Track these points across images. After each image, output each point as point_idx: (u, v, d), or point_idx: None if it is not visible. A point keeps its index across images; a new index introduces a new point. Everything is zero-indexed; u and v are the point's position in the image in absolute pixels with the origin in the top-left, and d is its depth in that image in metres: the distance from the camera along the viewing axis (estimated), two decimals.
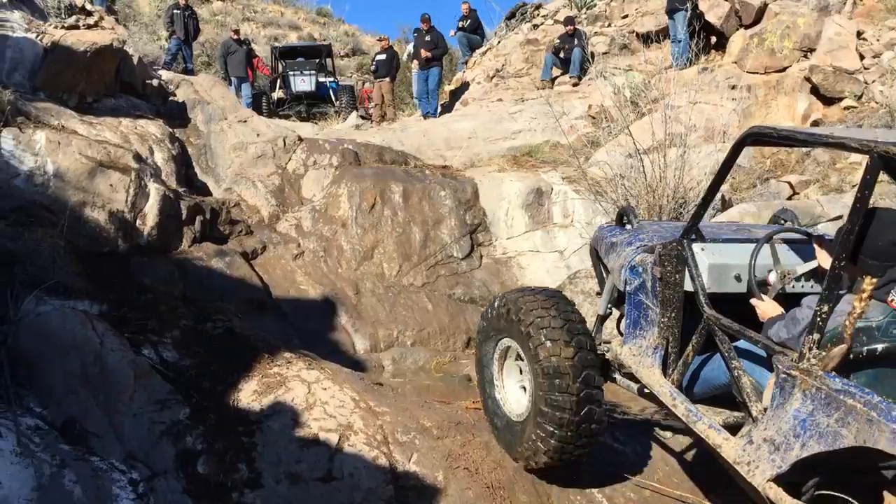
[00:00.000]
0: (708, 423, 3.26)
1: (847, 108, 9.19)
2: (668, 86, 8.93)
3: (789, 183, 8.07)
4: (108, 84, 8.82)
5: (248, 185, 9.15)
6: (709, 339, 3.40)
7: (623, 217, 4.68)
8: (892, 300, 2.73)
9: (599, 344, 4.30)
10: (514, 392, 4.37)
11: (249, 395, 4.68)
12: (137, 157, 7.46)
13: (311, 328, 7.31)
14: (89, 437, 4.11)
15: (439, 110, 14.45)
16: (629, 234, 4.46)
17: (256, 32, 24.55)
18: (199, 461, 4.15)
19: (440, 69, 14.64)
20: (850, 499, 2.64)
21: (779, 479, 2.77)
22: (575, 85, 13.28)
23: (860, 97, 9.21)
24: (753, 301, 3.39)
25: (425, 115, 14.18)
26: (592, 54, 13.36)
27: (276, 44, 21.88)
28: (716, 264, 3.58)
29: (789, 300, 3.26)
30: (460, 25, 16.09)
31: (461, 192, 9.19)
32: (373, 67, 15.30)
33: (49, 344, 4.50)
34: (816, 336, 2.71)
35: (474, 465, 4.29)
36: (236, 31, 16.46)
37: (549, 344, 3.84)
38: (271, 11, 28.39)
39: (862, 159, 5.50)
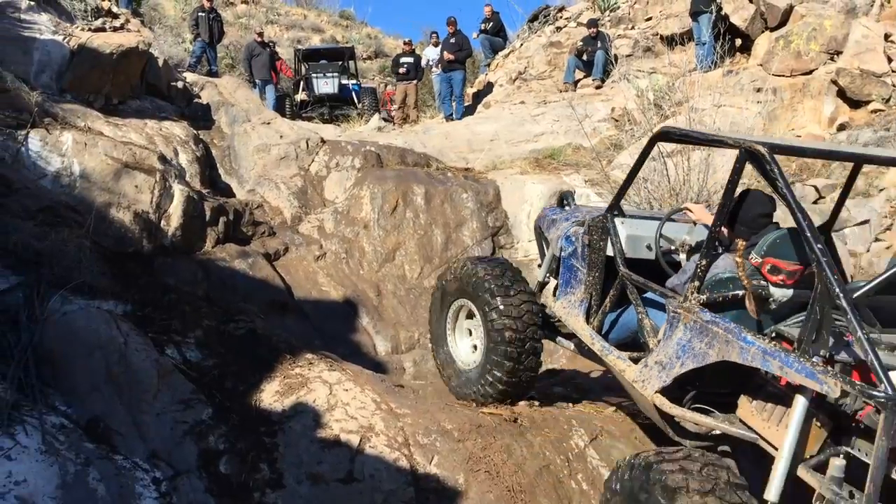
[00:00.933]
0: (616, 355, 4.21)
1: (874, 111, 9.07)
2: (692, 88, 8.86)
3: (815, 187, 7.98)
4: (134, 86, 8.91)
5: (271, 187, 9.20)
6: (623, 294, 4.26)
7: (563, 200, 5.60)
8: (753, 258, 3.58)
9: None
10: (465, 346, 5.25)
11: (271, 395, 4.69)
12: (162, 159, 7.52)
13: (332, 329, 7.33)
14: (113, 435, 4.14)
15: (463, 112, 14.45)
16: (567, 213, 5.35)
17: (280, 35, 24.66)
18: (221, 461, 4.17)
19: (464, 72, 14.63)
20: (711, 409, 3.62)
21: (664, 391, 3.69)
22: (598, 87, 13.22)
23: (888, 100, 9.09)
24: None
25: (447, 118, 14.18)
26: (615, 57, 13.29)
27: (300, 46, 21.96)
28: (632, 235, 4.49)
29: None
30: (483, 28, 16.07)
31: (483, 194, 9.18)
32: (402, 70, 15.31)
33: (74, 343, 4.54)
34: (696, 283, 3.61)
35: (495, 468, 4.27)
36: (260, 34, 16.55)
37: (501, 306, 4.74)
38: (294, 14, 28.52)
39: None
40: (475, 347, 5.15)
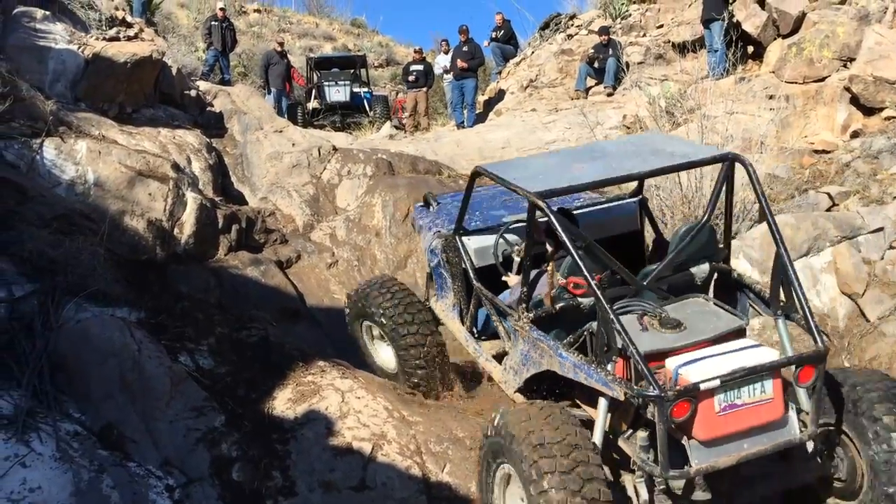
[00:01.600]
0: (486, 357, 4.90)
1: (888, 118, 9.01)
2: (704, 96, 8.84)
3: (828, 194, 7.92)
4: (148, 94, 8.97)
5: (284, 195, 9.23)
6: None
7: (427, 201, 6.15)
8: (559, 280, 4.28)
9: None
10: (384, 354, 5.84)
11: (284, 403, 4.71)
12: (175, 167, 7.57)
13: (344, 337, 7.33)
14: (127, 442, 4.16)
15: (474, 120, 14.46)
16: (430, 217, 5.90)
17: (292, 43, 24.79)
18: (234, 468, 4.19)
19: (475, 81, 14.65)
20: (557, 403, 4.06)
21: (519, 391, 4.43)
22: (609, 95, 13.21)
23: None
24: (504, 278, 4.90)
25: (459, 125, 14.19)
26: (627, 64, 13.27)
27: (311, 54, 22.05)
28: (478, 248, 5.14)
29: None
30: (494, 36, 16.09)
31: None
32: (411, 77, 15.35)
33: (88, 350, 4.57)
34: (523, 305, 4.28)
35: None
36: (280, 44, 16.64)
37: (399, 326, 5.41)
38: (306, 23, 28.70)
39: None
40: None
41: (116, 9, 9.86)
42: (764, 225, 6.91)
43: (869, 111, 9.29)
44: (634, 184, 5.44)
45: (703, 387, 3.54)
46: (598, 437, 3.84)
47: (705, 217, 4.76)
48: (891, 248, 6.62)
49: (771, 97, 9.85)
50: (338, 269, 8.22)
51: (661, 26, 14.33)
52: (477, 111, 15.20)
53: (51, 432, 3.91)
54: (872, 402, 3.87)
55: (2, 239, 5.29)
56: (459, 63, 14.35)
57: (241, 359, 5.25)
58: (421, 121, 15.29)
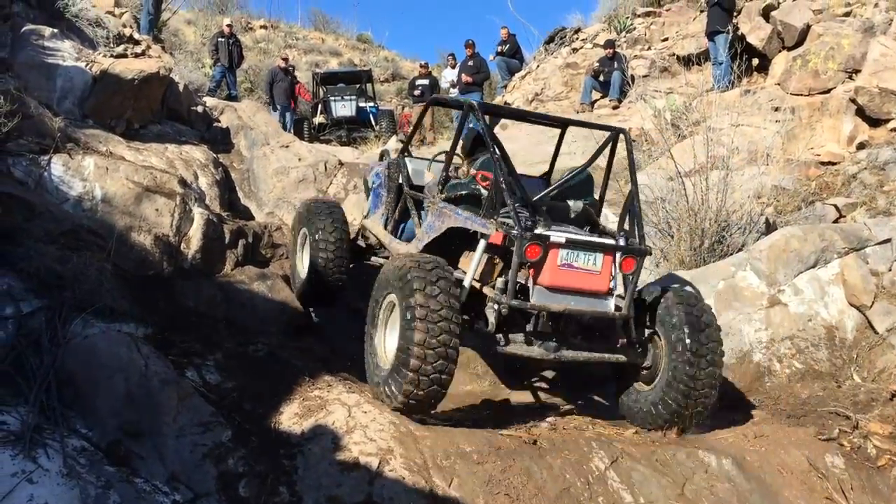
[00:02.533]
0: (397, 243, 6.44)
1: (894, 129, 9.01)
2: (709, 108, 8.84)
3: (835, 206, 7.91)
4: (155, 111, 9.01)
5: (290, 209, 9.24)
6: (406, 209, 6.45)
7: (382, 156, 7.83)
8: (472, 171, 5.79)
9: (359, 237, 7.37)
10: (305, 261, 7.21)
11: (290, 417, 4.70)
12: (182, 182, 7.59)
13: (352, 351, 7.32)
14: (133, 458, 4.16)
15: None
16: (382, 165, 7.24)
17: (298, 59, 24.93)
18: (240, 484, 4.17)
19: (481, 95, 14.72)
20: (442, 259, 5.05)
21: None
22: (615, 108, 13.24)
23: None
24: (426, 172, 6.58)
25: None
26: (632, 77, 13.31)
27: (317, 70, 22.17)
28: (415, 169, 6.68)
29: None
30: (499, 50, 16.17)
31: None
32: (417, 92, 15.41)
33: (95, 366, 4.57)
34: (440, 186, 5.77)
35: (515, 491, 4.25)
36: (285, 60, 16.73)
37: (320, 233, 6.88)
38: (313, 38, 28.87)
39: None
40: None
41: (124, 26, 9.93)
42: (771, 237, 6.91)
43: (875, 122, 9.29)
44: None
45: (552, 238, 4.93)
46: (468, 280, 5.12)
47: (586, 164, 6.19)
48: None
49: (776, 109, 9.86)
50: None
51: (666, 39, 14.38)
52: None
53: (58, 448, 3.90)
54: (673, 303, 5.26)
55: (9, 255, 5.31)
56: (464, 77, 14.44)
57: (248, 374, 5.25)
58: (427, 135, 15.35)
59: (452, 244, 5.61)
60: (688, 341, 5.05)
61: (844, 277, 6.51)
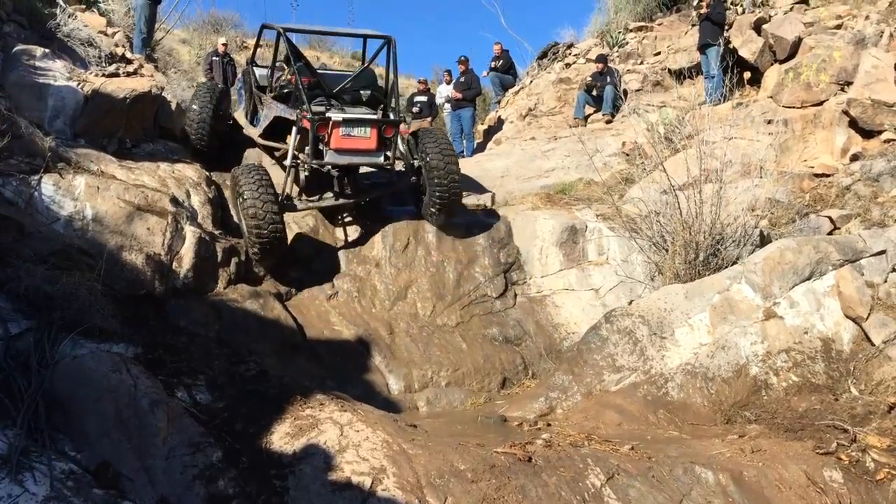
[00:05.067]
0: (252, 129, 9.41)
1: (887, 140, 9.01)
2: (702, 121, 8.84)
3: (829, 218, 7.90)
4: (147, 129, 9.00)
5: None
6: (259, 103, 9.48)
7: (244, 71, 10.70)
8: (289, 77, 9.05)
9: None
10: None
11: (282, 437, 4.65)
12: (174, 201, 7.57)
13: (344, 369, 7.28)
14: (122, 480, 4.10)
15: (474, 150, 14.51)
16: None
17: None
18: None
19: (472, 110, 14.74)
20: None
21: (261, 137, 9.16)
22: (608, 122, 13.24)
23: None
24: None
25: (458, 155, 14.21)
26: (625, 91, 13.32)
27: None
28: (261, 74, 9.66)
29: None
30: (493, 66, 16.18)
31: (494, 230, 9.15)
32: (415, 108, 15.40)
33: (84, 387, 4.53)
34: (268, 87, 9.31)
35: None
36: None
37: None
38: (308, 56, 28.88)
39: None
40: None
41: (116, 45, 9.89)
42: (765, 250, 6.89)
43: (868, 134, 9.30)
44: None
45: (333, 118, 7.93)
46: (290, 155, 8.29)
47: (366, 65, 9.27)
48: (893, 270, 6.58)
49: (769, 122, 9.87)
50: (338, 300, 8.17)
51: (658, 53, 14.41)
52: (477, 140, 15.25)
53: (45, 472, 3.85)
54: (429, 144, 8.62)
55: None
56: (453, 94, 14.50)
57: (239, 393, 5.20)
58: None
59: (284, 127, 8.53)
60: (434, 161, 8.45)
61: (840, 289, 6.48)
